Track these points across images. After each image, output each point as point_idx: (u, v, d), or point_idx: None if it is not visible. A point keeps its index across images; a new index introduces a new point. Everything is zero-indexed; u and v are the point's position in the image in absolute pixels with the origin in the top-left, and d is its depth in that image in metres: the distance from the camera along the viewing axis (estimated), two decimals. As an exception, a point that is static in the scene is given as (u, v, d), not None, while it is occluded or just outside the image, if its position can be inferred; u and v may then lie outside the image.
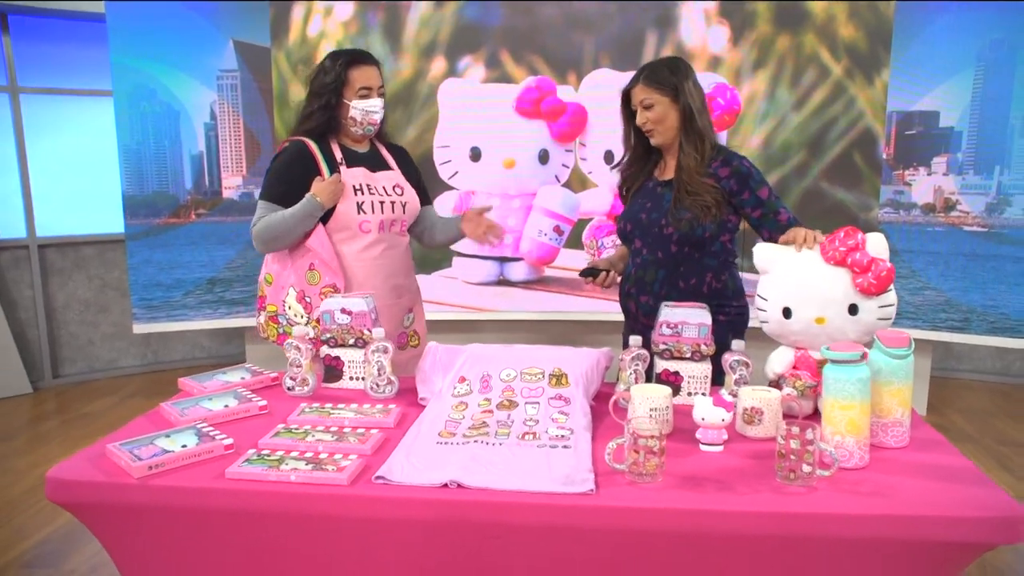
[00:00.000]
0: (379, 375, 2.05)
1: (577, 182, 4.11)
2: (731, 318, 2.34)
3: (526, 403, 1.93)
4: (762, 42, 3.94)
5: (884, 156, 3.93)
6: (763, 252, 1.93)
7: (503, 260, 4.24)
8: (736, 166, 2.28)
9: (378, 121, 2.46)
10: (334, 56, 2.44)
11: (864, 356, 1.61)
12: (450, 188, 4.16)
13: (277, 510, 1.53)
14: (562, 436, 1.75)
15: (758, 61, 3.96)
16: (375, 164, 2.52)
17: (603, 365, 2.07)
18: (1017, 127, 3.77)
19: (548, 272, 4.24)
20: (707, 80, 3.96)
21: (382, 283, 2.49)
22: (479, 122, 4.11)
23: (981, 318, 3.89)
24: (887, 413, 1.71)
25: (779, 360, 1.95)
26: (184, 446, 1.66)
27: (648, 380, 2.04)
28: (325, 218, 2.41)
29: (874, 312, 1.82)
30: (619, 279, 2.46)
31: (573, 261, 4.15)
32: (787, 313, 1.87)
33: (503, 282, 4.26)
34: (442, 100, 4.10)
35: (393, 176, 2.53)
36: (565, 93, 4.08)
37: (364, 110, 2.42)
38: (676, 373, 2.02)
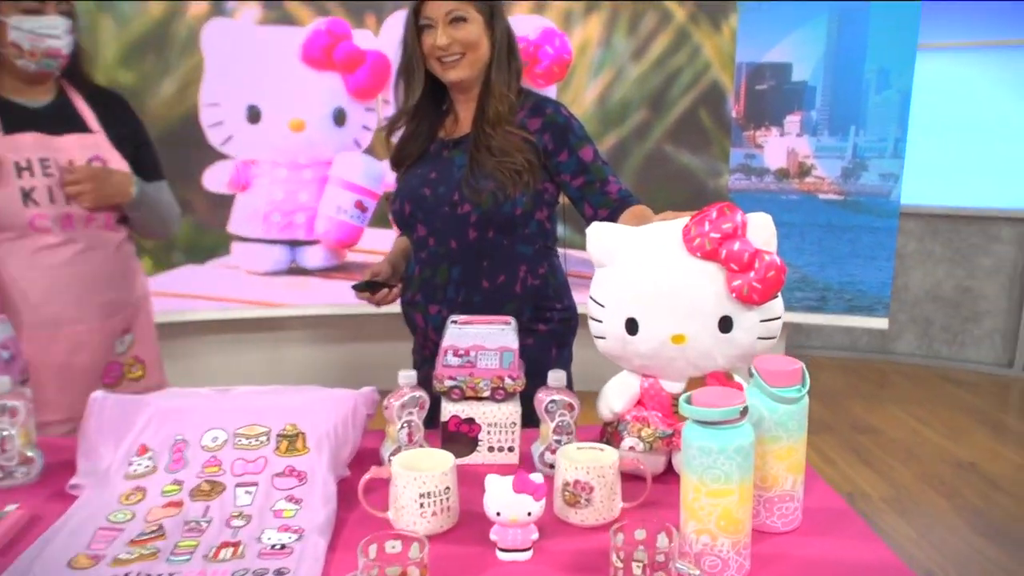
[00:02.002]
0: (3, 452, 1.30)
1: (381, 147, 3.39)
2: (554, 327, 1.74)
3: (238, 485, 1.25)
4: (594, -20, 3.37)
5: (733, 114, 3.46)
6: (601, 235, 1.32)
7: (295, 244, 3.51)
8: (551, 115, 1.68)
9: (60, 50, 1.67)
10: None
11: (744, 412, 1.02)
12: (223, 156, 3.37)
13: None
14: (283, 547, 1.10)
15: (591, 3, 3.38)
16: (59, 124, 1.73)
17: (363, 415, 1.40)
18: (872, 82, 3.37)
19: (351, 257, 3.55)
20: (532, 24, 3.35)
21: (79, 300, 1.74)
22: (257, 74, 3.34)
23: (838, 296, 3.51)
24: (772, 484, 1.14)
25: (618, 392, 1.36)
26: None
27: (431, 426, 1.40)
28: None
29: (754, 329, 1.24)
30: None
31: (380, 243, 3.46)
32: (632, 327, 1.27)
33: (296, 270, 3.54)
34: (207, 46, 3.30)
35: (90, 142, 1.75)
36: (363, 39, 3.39)
37: (32, 32, 1.63)
38: (470, 421, 1.39)
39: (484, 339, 1.38)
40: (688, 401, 1.03)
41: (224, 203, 3.41)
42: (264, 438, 1.31)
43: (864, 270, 3.46)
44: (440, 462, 1.18)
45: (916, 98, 3.36)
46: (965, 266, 4.57)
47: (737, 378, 1.32)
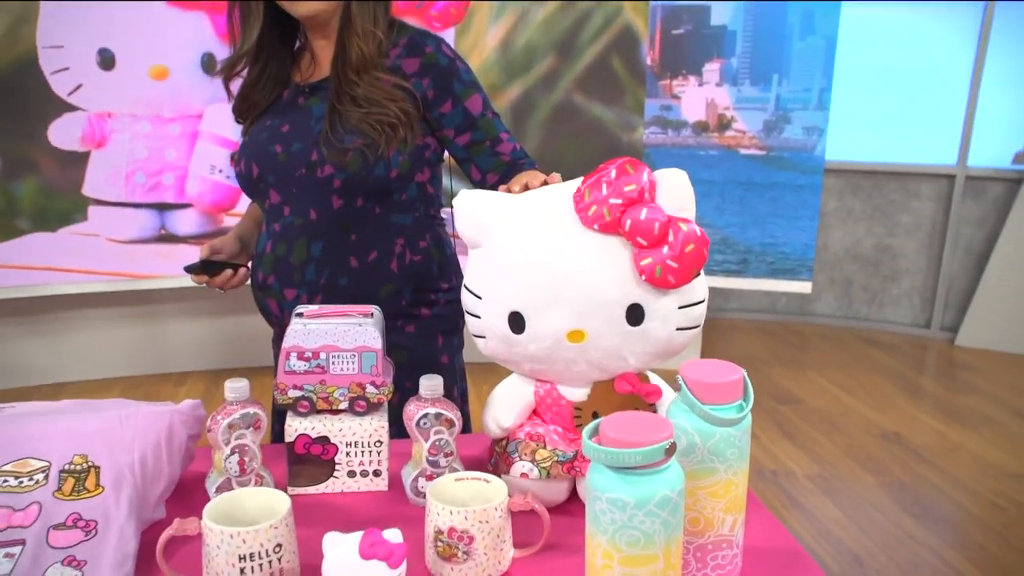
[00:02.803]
0: None
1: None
2: (440, 311, 1.44)
3: (-6, 547, 0.92)
4: (495, -90, 3.03)
5: (648, 62, 3.18)
6: (470, 207, 1.04)
7: (163, 208, 3.11)
8: (431, 55, 1.37)
9: None
10: None
11: (672, 450, 0.74)
12: (73, 108, 2.93)
13: None
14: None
15: (491, -64, 3.06)
16: None
17: (182, 437, 1.08)
18: (796, 27, 3.14)
19: (228, 221, 3.17)
20: (426, -40, 2.99)
21: None
22: (107, 12, 2.89)
23: (760, 258, 3.31)
24: (705, 528, 0.88)
25: (507, 402, 1.09)
26: None
27: (278, 439, 1.10)
28: None
29: (671, 317, 0.98)
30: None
31: (261, 206, 3.09)
32: (516, 323, 0.99)
33: (166, 237, 3.16)
34: (43, -23, 2.83)
35: None
36: (233, -27, 2.95)
37: None
38: (324, 440, 1.09)
39: (338, 336, 1.07)
40: (593, 435, 0.75)
41: (76, 162, 2.99)
42: (41, 476, 0.98)
43: (787, 231, 3.26)
44: (270, 508, 0.88)
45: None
46: (885, 223, 4.45)
47: (655, 379, 1.06)
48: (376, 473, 1.10)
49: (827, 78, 3.12)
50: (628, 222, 0.93)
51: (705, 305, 1.01)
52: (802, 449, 3.01)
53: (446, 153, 1.44)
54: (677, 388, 0.88)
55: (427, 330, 1.43)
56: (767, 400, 3.44)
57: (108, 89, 2.95)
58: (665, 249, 0.93)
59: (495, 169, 1.38)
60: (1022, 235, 4.07)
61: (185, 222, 3.13)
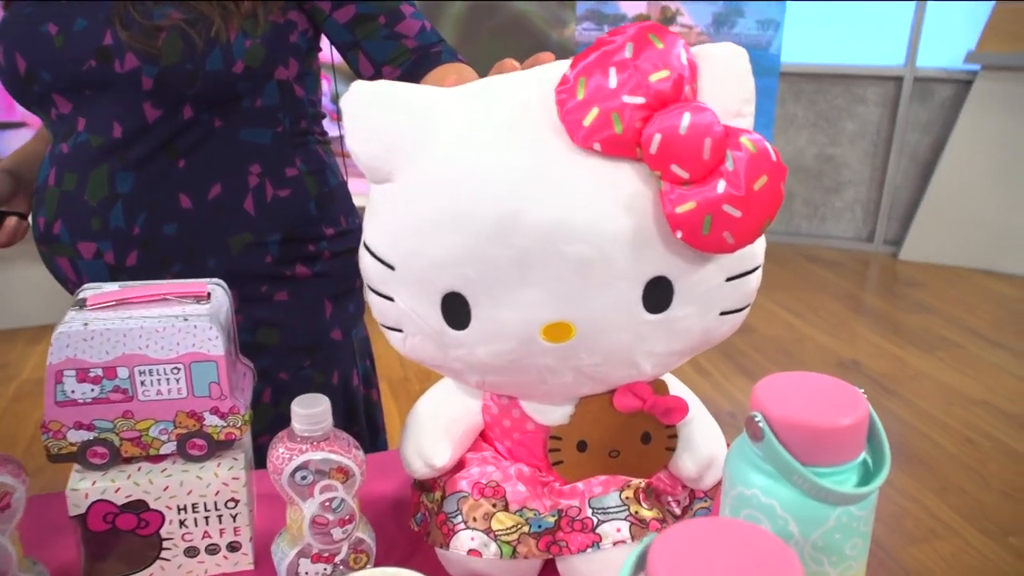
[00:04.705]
0: None
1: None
2: (324, 270, 1.02)
3: None
4: None
5: (579, -57, 2.75)
6: (370, 108, 0.59)
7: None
8: None
9: None
10: None
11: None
12: None
13: None
14: None
15: None
16: None
17: None
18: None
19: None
20: None
21: None
22: None
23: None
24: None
25: (437, 427, 0.70)
26: None
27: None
28: None
29: (712, 297, 0.60)
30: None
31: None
32: (456, 311, 0.59)
33: None
34: None
35: None
36: None
37: None
38: (138, 507, 0.66)
39: (147, 338, 0.64)
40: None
41: None
42: None
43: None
44: None
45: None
46: (828, 132, 4.15)
47: (675, 385, 0.67)
48: (232, 547, 0.69)
49: (784, -39, 2.75)
50: (656, 137, 0.52)
51: (760, 272, 0.62)
52: (749, 376, 2.75)
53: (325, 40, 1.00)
54: (756, 436, 0.49)
55: (308, 296, 1.00)
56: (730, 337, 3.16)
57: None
58: (720, 185, 0.52)
59: (395, 60, 0.95)
60: (970, 139, 3.83)
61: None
